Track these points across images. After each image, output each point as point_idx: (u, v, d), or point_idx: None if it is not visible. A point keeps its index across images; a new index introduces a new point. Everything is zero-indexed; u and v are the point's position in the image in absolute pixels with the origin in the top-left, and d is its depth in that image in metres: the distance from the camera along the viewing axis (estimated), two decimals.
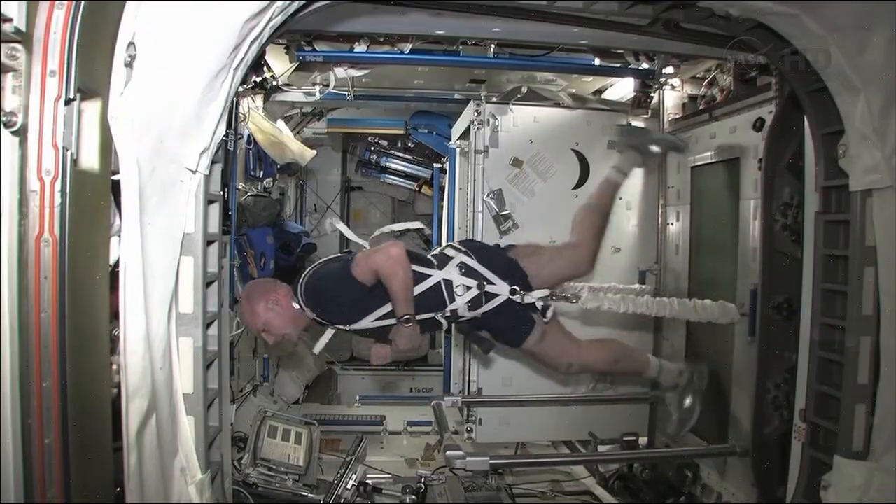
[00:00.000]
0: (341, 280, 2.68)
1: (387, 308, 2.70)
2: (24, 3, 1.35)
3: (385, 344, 2.84)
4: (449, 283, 2.80)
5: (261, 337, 2.91)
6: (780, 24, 2.32)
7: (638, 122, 4.08)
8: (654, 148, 3.29)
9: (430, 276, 2.79)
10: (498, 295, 2.84)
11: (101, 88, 1.54)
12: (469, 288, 2.81)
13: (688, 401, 3.23)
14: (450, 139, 4.81)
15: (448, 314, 2.83)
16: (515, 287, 2.85)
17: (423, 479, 3.98)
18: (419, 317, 2.70)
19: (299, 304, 2.75)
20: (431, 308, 2.79)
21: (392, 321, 2.71)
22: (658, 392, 3.99)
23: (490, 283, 2.84)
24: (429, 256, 2.93)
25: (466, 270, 2.84)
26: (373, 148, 6.77)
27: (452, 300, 2.80)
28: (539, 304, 2.89)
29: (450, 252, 2.93)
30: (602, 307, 2.90)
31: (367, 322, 2.74)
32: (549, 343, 3.00)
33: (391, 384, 6.64)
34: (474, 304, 2.83)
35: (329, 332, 2.91)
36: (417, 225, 3.53)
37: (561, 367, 3.13)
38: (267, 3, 1.94)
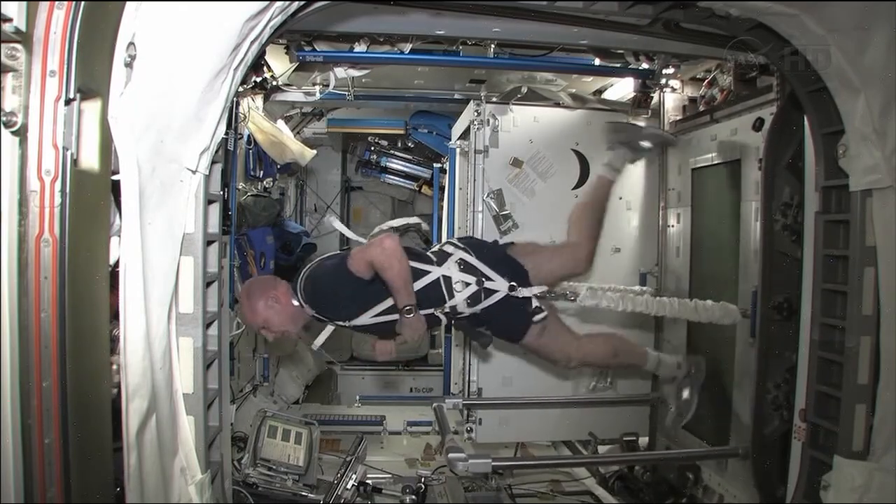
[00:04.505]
0: (339, 276, 2.69)
1: (387, 303, 2.71)
2: (24, 3, 1.35)
3: (387, 340, 2.86)
4: (448, 279, 2.82)
5: (260, 334, 2.91)
6: (780, 24, 2.32)
7: (634, 120, 4.06)
8: (645, 143, 3.27)
9: (430, 272, 2.80)
10: (497, 291, 2.86)
11: (101, 88, 1.54)
12: (468, 284, 2.83)
13: (686, 393, 3.25)
14: (450, 139, 4.80)
15: (447, 310, 2.85)
16: (514, 283, 2.86)
17: (423, 479, 3.99)
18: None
19: (299, 300, 2.76)
20: (431, 304, 2.81)
21: (392, 317, 2.72)
22: (658, 393, 4.01)
23: (489, 279, 2.85)
24: (427, 253, 2.94)
25: (465, 267, 2.86)
26: (373, 148, 6.77)
27: (451, 296, 2.82)
28: (535, 302, 2.90)
29: (448, 248, 2.95)
30: (600, 305, 2.91)
31: (367, 318, 2.75)
32: (549, 338, 3.02)
33: (391, 384, 6.63)
34: (473, 300, 2.85)
35: (329, 329, 2.90)
36: (416, 220, 3.53)
37: (560, 362, 3.15)
38: (267, 3, 1.94)
